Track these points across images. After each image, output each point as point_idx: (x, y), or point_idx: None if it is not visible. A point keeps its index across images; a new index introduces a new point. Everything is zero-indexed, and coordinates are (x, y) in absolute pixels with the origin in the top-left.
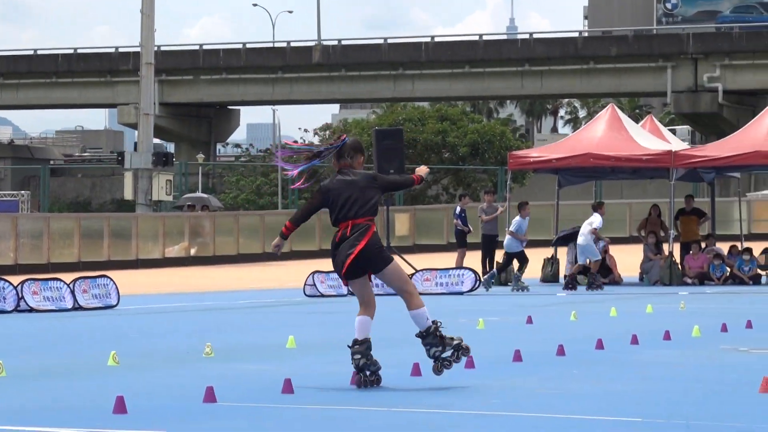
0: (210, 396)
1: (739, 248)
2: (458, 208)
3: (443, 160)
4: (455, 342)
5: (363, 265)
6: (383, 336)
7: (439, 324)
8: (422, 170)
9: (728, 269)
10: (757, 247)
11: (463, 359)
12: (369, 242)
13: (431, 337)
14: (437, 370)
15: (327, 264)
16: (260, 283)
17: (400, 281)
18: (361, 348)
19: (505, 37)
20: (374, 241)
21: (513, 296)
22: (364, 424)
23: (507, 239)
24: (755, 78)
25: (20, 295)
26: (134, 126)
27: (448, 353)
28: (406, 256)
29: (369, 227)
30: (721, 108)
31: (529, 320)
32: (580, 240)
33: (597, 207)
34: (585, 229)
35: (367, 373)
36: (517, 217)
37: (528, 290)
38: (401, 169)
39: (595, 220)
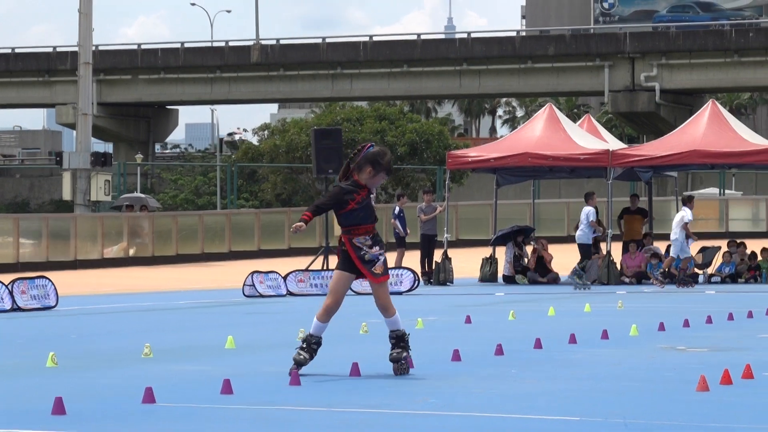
0: (149, 397)
1: None
2: (396, 208)
3: None
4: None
5: None
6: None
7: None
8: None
9: (665, 268)
10: (694, 246)
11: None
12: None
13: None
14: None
15: (266, 264)
16: (199, 284)
17: (330, 290)
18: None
19: (443, 36)
20: (338, 249)
21: (451, 296)
22: (302, 424)
23: (580, 231)
24: (692, 77)
25: None
26: (72, 126)
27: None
28: None
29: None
30: (658, 107)
31: (468, 320)
32: (672, 235)
33: (687, 201)
34: (676, 224)
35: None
36: (587, 207)
37: (590, 288)
38: (340, 168)
39: (686, 214)
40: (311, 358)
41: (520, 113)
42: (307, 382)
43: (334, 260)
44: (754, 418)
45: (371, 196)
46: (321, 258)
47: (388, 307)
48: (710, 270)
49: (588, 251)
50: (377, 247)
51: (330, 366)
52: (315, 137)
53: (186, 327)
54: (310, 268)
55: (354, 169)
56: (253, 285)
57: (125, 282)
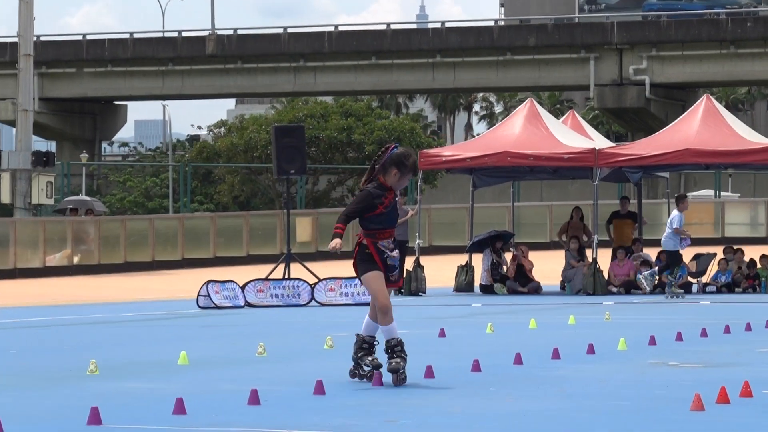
0: (95, 418)
1: None
2: None
3: (348, 159)
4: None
5: None
6: (282, 350)
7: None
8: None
9: (657, 277)
10: (687, 253)
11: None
12: (356, 253)
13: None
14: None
15: (222, 273)
16: (149, 294)
17: (371, 292)
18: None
19: (414, 26)
20: (357, 253)
21: (424, 307)
22: None
23: (666, 236)
24: (684, 70)
25: None
26: (12, 123)
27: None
28: (308, 264)
29: (358, 240)
30: (649, 102)
31: (442, 333)
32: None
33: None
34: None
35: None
36: (675, 212)
37: (683, 297)
38: (303, 169)
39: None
40: (401, 360)
41: (498, 109)
42: (268, 401)
43: (296, 268)
44: None
45: (396, 198)
46: (282, 266)
47: (388, 313)
48: (705, 279)
49: (676, 258)
50: (396, 251)
51: (292, 385)
52: (276, 135)
53: (135, 341)
54: (270, 277)
55: (379, 171)
56: (209, 295)
57: (69, 292)
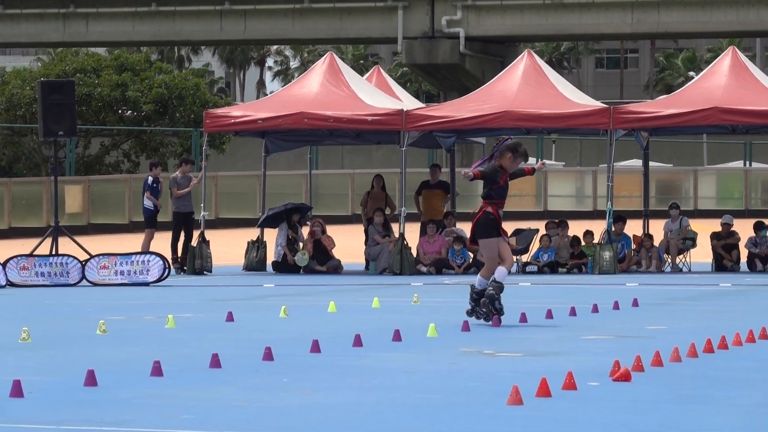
0: None
1: None
2: (150, 179)
3: (123, 119)
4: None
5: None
6: (49, 336)
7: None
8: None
9: (471, 255)
10: (507, 228)
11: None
12: (479, 217)
13: (483, 300)
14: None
15: None
16: None
17: (486, 257)
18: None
19: None
20: (481, 218)
21: (210, 287)
22: None
23: None
24: (504, 22)
25: None
26: None
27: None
28: (79, 239)
29: (482, 207)
30: (463, 58)
31: (230, 317)
32: None
33: None
34: None
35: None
36: None
37: None
38: (72, 130)
39: None
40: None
41: (294, 64)
42: (32, 392)
43: (64, 243)
44: None
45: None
46: (49, 240)
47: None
48: (526, 257)
49: None
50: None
51: (60, 373)
52: (42, 91)
53: None
54: (35, 253)
55: (496, 156)
56: None
57: None
